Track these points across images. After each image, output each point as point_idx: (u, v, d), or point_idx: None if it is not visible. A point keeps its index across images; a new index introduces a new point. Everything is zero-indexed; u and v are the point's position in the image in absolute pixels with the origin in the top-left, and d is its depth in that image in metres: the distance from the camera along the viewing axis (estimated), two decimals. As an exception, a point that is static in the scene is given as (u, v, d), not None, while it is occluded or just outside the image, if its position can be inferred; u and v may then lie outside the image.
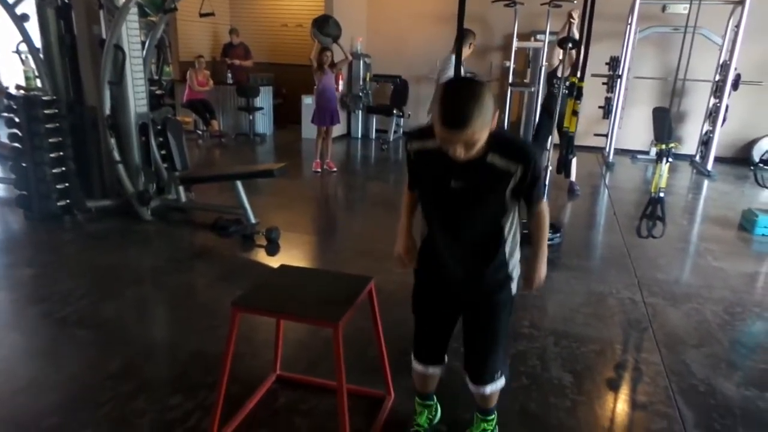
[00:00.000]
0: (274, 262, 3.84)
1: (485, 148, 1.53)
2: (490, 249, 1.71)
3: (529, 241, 1.81)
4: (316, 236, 4.67)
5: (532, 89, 8.43)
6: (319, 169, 6.53)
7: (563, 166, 4.44)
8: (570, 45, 4.51)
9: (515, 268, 1.78)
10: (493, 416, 1.99)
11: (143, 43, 4.62)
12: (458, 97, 1.42)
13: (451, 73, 4.26)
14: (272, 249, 4.06)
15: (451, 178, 1.60)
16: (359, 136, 9.17)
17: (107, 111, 4.35)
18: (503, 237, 1.70)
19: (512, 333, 2.83)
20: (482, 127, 1.44)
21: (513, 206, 1.68)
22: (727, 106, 7.12)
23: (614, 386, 2.48)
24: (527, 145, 1.65)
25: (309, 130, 8.25)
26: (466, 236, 1.70)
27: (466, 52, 4.22)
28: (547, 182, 4.42)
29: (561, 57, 5.26)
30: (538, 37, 8.33)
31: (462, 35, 3.62)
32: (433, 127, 1.48)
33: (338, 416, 1.77)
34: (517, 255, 1.78)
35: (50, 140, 4.26)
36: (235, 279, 3.52)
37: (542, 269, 1.80)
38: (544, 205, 1.75)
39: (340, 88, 6.57)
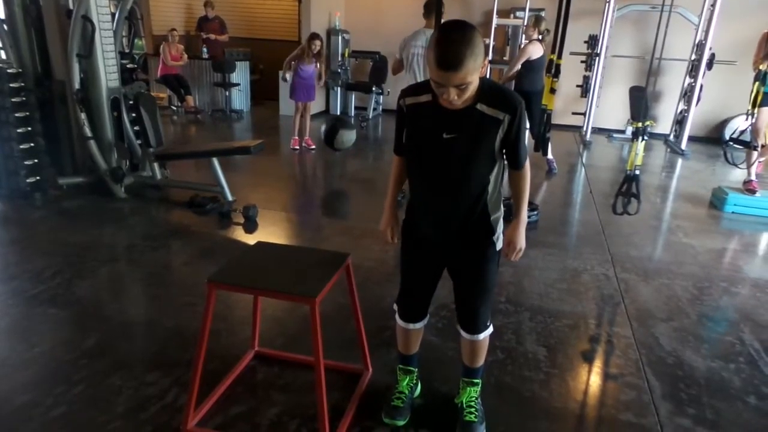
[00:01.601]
0: (252, 239, 3.82)
1: (475, 97, 1.61)
2: (476, 203, 1.76)
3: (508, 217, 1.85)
4: (294, 214, 4.64)
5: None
6: (297, 147, 6.48)
7: (540, 144, 4.47)
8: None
9: (498, 224, 1.84)
10: (479, 381, 2.04)
11: (113, 15, 4.47)
12: (452, 40, 1.49)
13: (419, 50, 4.19)
14: (250, 226, 4.03)
15: (443, 130, 1.66)
16: (338, 113, 9.08)
17: (77, 85, 4.22)
18: (488, 191, 1.75)
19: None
20: (474, 70, 1.50)
21: (500, 162, 1.75)
22: (701, 86, 7.22)
23: (586, 359, 2.54)
24: (513, 94, 1.69)
25: (286, 106, 8.14)
26: (455, 189, 1.74)
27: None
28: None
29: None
30: (518, 14, 8.30)
31: (440, 10, 3.58)
32: (429, 73, 1.56)
33: (316, 391, 1.79)
34: (500, 212, 1.84)
35: (17, 115, 4.12)
36: (212, 257, 3.49)
37: (522, 235, 1.86)
38: (527, 168, 1.80)
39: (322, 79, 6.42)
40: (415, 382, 2.15)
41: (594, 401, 2.27)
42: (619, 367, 2.48)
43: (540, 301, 3.04)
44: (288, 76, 6.31)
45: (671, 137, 7.96)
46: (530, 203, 4.42)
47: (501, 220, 1.85)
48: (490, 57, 8.51)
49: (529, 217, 4.25)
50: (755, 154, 4.95)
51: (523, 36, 6.67)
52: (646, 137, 3.61)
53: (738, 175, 5.49)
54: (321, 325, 1.76)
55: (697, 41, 7.31)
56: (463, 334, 1.95)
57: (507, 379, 2.32)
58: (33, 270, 3.12)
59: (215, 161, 4.21)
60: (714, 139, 8.08)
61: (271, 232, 4.05)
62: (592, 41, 7.43)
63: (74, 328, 2.58)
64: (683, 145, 7.40)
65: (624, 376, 2.40)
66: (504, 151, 1.72)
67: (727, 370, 2.47)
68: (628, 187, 3.62)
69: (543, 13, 8.10)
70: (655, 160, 6.98)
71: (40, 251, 3.41)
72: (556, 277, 3.35)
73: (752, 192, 4.89)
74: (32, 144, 4.25)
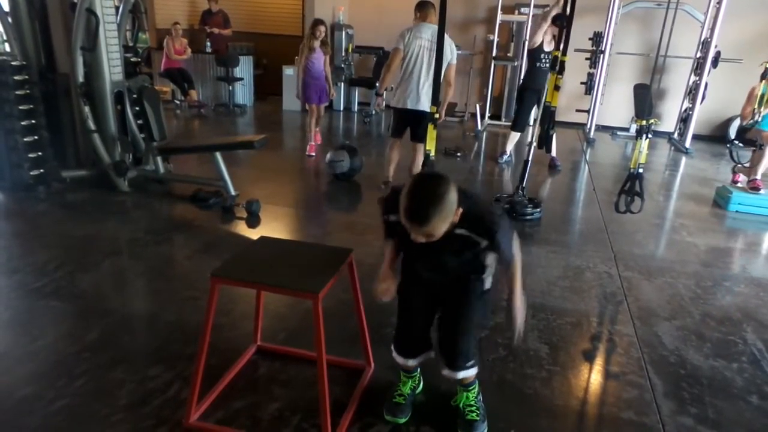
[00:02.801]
0: (255, 234, 3.82)
1: (453, 226, 1.63)
2: (466, 285, 1.88)
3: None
4: (297, 209, 4.64)
5: (516, 63, 8.40)
6: (314, 153, 6.05)
7: (545, 142, 4.46)
8: (564, 23, 4.45)
9: (489, 264, 1.90)
10: (474, 386, 2.03)
11: (117, 8, 4.46)
12: (422, 196, 1.55)
13: (425, 43, 4.15)
14: (252, 221, 4.03)
15: (428, 244, 1.66)
16: (341, 108, 9.07)
17: (80, 78, 4.22)
18: (480, 278, 1.89)
19: (491, 306, 2.87)
20: (441, 225, 1.56)
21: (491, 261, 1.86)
22: (706, 84, 7.19)
23: (589, 357, 2.54)
24: (494, 219, 1.74)
25: (290, 102, 8.14)
26: (447, 281, 1.87)
27: (432, 18, 4.15)
28: (530, 158, 4.45)
29: (555, 34, 5.23)
30: (523, 10, 8.26)
31: (444, 6, 3.55)
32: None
33: (318, 386, 1.79)
34: (491, 271, 1.91)
35: (21, 107, 4.13)
36: (214, 251, 3.49)
37: (522, 315, 1.87)
38: (517, 263, 1.83)
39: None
40: (417, 382, 2.15)
41: (596, 399, 2.26)
42: (621, 365, 2.47)
43: (542, 298, 3.03)
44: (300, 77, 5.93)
45: (675, 135, 7.93)
46: (533, 200, 4.43)
47: (493, 263, 1.89)
48: (493, 53, 8.48)
49: (531, 214, 4.29)
50: (760, 154, 4.93)
51: (527, 32, 6.63)
52: (650, 135, 3.60)
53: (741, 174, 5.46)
54: (323, 320, 1.76)
55: (702, 39, 7.28)
56: (444, 371, 1.94)
57: (509, 376, 2.32)
58: (36, 263, 3.13)
59: (218, 156, 4.21)
60: (718, 137, 8.05)
61: (274, 227, 4.05)
62: (597, 38, 7.40)
63: (77, 321, 2.58)
64: (687, 144, 7.38)
65: (626, 375, 2.39)
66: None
67: (730, 370, 2.47)
68: (631, 185, 3.61)
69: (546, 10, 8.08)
70: (659, 159, 6.96)
71: (43, 244, 3.42)
72: (559, 275, 3.34)
73: (756, 191, 4.87)
74: (36, 137, 4.25)
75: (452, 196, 1.56)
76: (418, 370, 2.13)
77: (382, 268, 1.93)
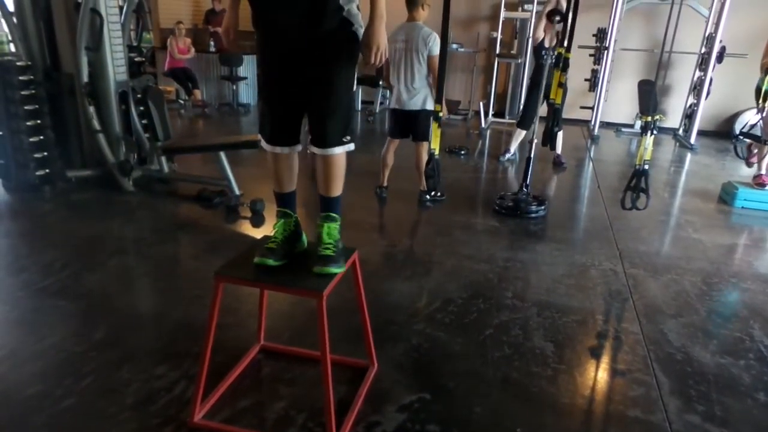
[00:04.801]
0: (259, 233, 3.82)
1: None
2: None
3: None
4: (301, 208, 4.62)
5: (519, 60, 8.38)
6: None
7: (549, 139, 4.44)
8: (558, 18, 4.45)
9: (356, 16, 1.76)
10: (337, 217, 1.99)
11: (121, 8, 4.47)
12: None
13: (400, 45, 4.15)
14: (257, 220, 4.04)
15: None
16: (345, 106, 9.06)
17: (85, 78, 4.23)
18: None
19: (495, 304, 2.87)
20: None
21: None
22: (711, 79, 7.15)
23: (594, 355, 2.53)
24: None
25: (294, 100, 8.12)
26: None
27: (423, 15, 4.13)
28: (532, 156, 4.44)
29: (546, 29, 5.22)
30: (526, 7, 8.23)
31: (448, 3, 3.54)
32: None
33: (322, 386, 1.79)
34: (354, 8, 1.74)
35: (26, 108, 4.14)
36: (219, 250, 3.50)
37: (380, 31, 1.75)
38: None
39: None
40: (293, 228, 2.01)
41: (602, 397, 2.26)
42: (627, 363, 2.46)
43: (547, 296, 3.03)
44: None
45: (680, 131, 7.90)
46: (537, 197, 4.41)
47: (358, 14, 1.77)
48: (497, 51, 8.45)
49: (536, 211, 4.28)
50: (766, 148, 4.89)
51: (530, 30, 6.61)
52: (655, 131, 3.58)
53: (748, 169, 5.43)
54: (327, 319, 1.76)
55: (707, 34, 7.24)
56: (314, 149, 1.83)
57: (514, 374, 2.31)
58: (42, 262, 3.14)
59: (222, 155, 4.22)
60: (724, 133, 8.01)
61: (278, 225, 4.05)
62: (601, 34, 7.36)
63: (83, 320, 2.59)
64: (692, 140, 7.34)
65: (632, 372, 2.38)
66: None
67: (737, 367, 2.45)
68: (636, 181, 3.60)
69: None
70: (664, 155, 6.92)
71: (49, 244, 3.43)
72: (564, 273, 3.33)
73: (762, 186, 4.84)
74: (41, 137, 4.27)
75: None
76: (294, 216, 2.05)
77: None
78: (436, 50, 4.04)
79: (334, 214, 1.96)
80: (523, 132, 5.94)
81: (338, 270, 1.85)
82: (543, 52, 5.28)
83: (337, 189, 1.93)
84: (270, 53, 1.82)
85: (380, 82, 8.49)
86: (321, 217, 1.97)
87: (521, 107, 5.98)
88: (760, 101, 4.92)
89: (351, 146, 1.87)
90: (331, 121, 1.79)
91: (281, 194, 2.05)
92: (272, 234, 1.99)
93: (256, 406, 2.05)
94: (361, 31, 1.77)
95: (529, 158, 4.41)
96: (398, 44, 4.14)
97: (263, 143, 1.93)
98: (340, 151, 1.85)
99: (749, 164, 5.23)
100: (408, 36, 4.07)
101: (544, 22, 5.18)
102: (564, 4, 4.68)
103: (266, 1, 1.73)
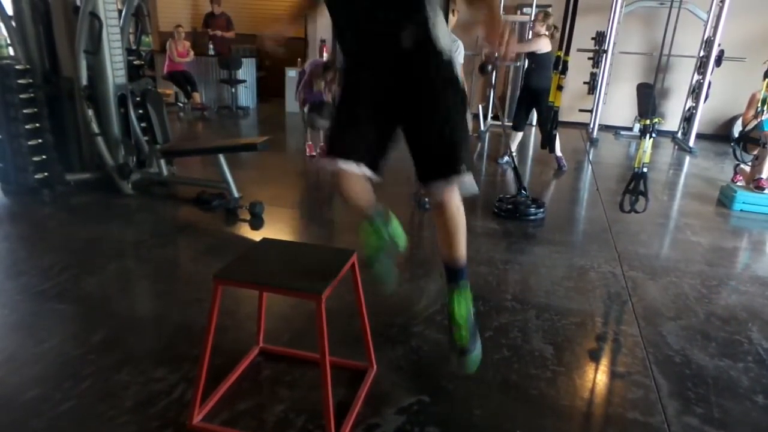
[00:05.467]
0: (258, 236, 3.82)
1: None
2: (415, 27, 1.53)
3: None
4: (300, 211, 4.65)
5: (518, 64, 8.39)
6: (314, 153, 6.06)
7: (548, 141, 4.45)
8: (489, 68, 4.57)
9: (446, 45, 1.60)
10: (465, 282, 1.76)
11: (120, 12, 4.48)
12: None
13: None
14: (256, 223, 4.04)
15: None
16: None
17: (84, 81, 4.24)
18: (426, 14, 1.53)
19: (494, 306, 2.87)
20: None
21: None
22: (710, 83, 7.17)
23: (593, 357, 2.53)
24: None
25: (293, 103, 8.13)
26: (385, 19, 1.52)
27: (452, 20, 4.15)
28: (515, 160, 4.45)
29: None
30: (525, 10, 8.25)
31: (447, 5, 3.56)
32: None
33: (322, 388, 1.79)
34: (444, 28, 1.59)
35: (25, 111, 4.14)
36: (218, 253, 3.50)
37: (497, 15, 1.54)
38: None
39: (324, 58, 6.31)
40: (385, 224, 1.81)
41: (601, 399, 2.26)
42: (626, 365, 2.46)
43: (546, 298, 3.03)
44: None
45: (679, 134, 7.91)
46: (536, 200, 4.42)
47: (458, 64, 1.67)
48: (497, 54, 8.47)
49: (535, 214, 4.28)
50: (766, 152, 4.91)
51: (530, 33, 6.65)
52: (653, 134, 3.59)
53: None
54: (326, 321, 1.76)
55: (705, 38, 7.26)
56: (431, 186, 1.57)
57: (513, 377, 2.31)
58: (41, 266, 3.14)
59: (222, 158, 4.22)
60: (722, 136, 8.02)
61: (278, 228, 4.06)
62: (600, 38, 7.39)
63: (82, 323, 2.59)
64: (691, 143, 7.35)
65: (631, 375, 2.38)
66: None
67: (736, 369, 2.46)
68: (635, 184, 3.60)
69: (550, 9, 8.07)
70: (662, 158, 6.94)
71: (47, 247, 3.43)
72: (563, 275, 3.34)
73: (761, 190, 4.85)
74: (40, 140, 4.27)
75: None
76: (381, 220, 1.80)
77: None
78: (460, 59, 4.06)
79: (462, 280, 1.70)
80: (519, 134, 5.95)
81: (478, 353, 1.70)
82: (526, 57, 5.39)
83: (461, 252, 1.66)
84: (358, 95, 1.64)
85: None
86: (449, 286, 1.74)
87: (515, 110, 6.02)
88: (759, 105, 4.96)
89: (470, 177, 1.58)
90: (450, 149, 1.59)
91: (366, 213, 1.81)
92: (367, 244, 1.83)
93: (256, 409, 2.05)
94: (458, 70, 1.64)
95: (514, 166, 4.42)
96: None
97: (331, 162, 1.64)
98: (458, 186, 1.60)
99: (733, 181, 5.27)
100: None
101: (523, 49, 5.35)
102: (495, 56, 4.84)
103: (363, 54, 1.60)
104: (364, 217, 1.81)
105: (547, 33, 5.21)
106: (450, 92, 1.58)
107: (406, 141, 1.64)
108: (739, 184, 5.14)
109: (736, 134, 6.65)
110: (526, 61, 6.66)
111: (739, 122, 7.61)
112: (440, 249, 1.73)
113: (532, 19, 5.50)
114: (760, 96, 5.11)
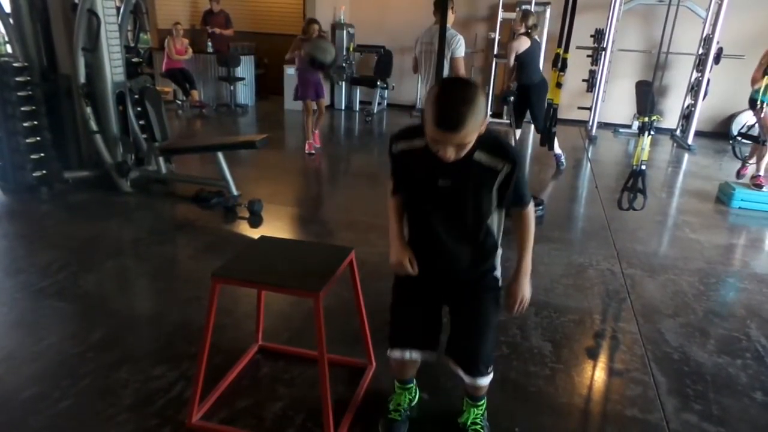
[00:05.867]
0: (257, 233, 3.82)
1: (472, 147, 1.54)
2: (475, 245, 1.73)
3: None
4: (299, 208, 4.64)
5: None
6: (313, 151, 6.07)
7: (546, 139, 4.45)
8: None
9: (497, 261, 1.83)
10: (483, 401, 1.96)
11: (118, 9, 4.47)
12: (453, 99, 1.44)
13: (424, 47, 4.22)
14: (255, 221, 4.03)
15: (438, 176, 1.61)
16: (343, 107, 9.07)
17: (82, 79, 4.23)
18: (490, 234, 1.73)
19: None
20: (474, 130, 1.46)
21: (498, 208, 1.70)
22: (708, 80, 7.16)
23: (592, 355, 2.54)
24: (512, 145, 1.68)
25: (291, 101, 8.13)
26: (453, 235, 1.70)
27: (450, 18, 4.15)
28: (528, 156, 4.45)
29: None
30: (524, 7, 8.24)
31: (445, 6, 3.55)
32: (424, 126, 1.50)
33: (320, 385, 1.79)
34: (500, 251, 1.83)
35: (23, 109, 4.13)
36: (217, 251, 3.50)
37: (526, 286, 1.77)
38: (531, 210, 1.75)
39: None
40: (413, 394, 2.07)
41: (599, 397, 2.26)
42: (625, 362, 2.47)
43: (545, 296, 3.03)
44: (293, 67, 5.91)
45: (678, 132, 7.91)
46: (535, 198, 4.42)
47: (499, 258, 1.84)
48: (495, 51, 8.46)
49: (534, 211, 4.27)
50: (765, 149, 4.91)
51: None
52: (652, 132, 3.59)
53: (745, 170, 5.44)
54: (325, 319, 1.76)
55: (704, 35, 7.25)
56: (464, 377, 1.81)
57: (512, 374, 2.32)
58: (39, 264, 3.14)
59: (220, 155, 4.21)
60: (721, 134, 8.02)
61: (276, 226, 4.05)
62: (599, 35, 7.38)
63: (81, 321, 2.59)
64: (690, 140, 7.35)
65: (630, 372, 2.39)
66: (503, 195, 1.65)
67: (734, 366, 2.46)
68: (634, 182, 3.60)
69: (548, 8, 8.07)
70: (661, 155, 6.94)
71: (46, 245, 3.43)
72: (562, 273, 3.34)
73: (759, 187, 4.85)
74: (38, 138, 4.26)
75: (482, 99, 1.47)
76: (414, 381, 2.05)
77: (393, 240, 1.79)
78: (459, 52, 4.08)
79: (481, 402, 1.95)
80: (518, 131, 5.95)
81: None
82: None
83: (485, 390, 1.92)
84: (413, 285, 1.82)
85: (377, 83, 8.50)
86: (468, 402, 1.96)
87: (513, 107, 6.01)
88: (759, 102, 4.94)
89: (491, 375, 1.85)
90: (482, 348, 1.78)
91: (404, 380, 2.02)
92: (393, 400, 2.01)
93: (255, 407, 2.05)
94: (499, 273, 1.84)
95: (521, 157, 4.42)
96: (425, 46, 4.23)
97: (395, 353, 1.86)
98: (487, 383, 1.85)
99: (739, 176, 5.24)
100: (434, 38, 4.09)
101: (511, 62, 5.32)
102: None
103: (421, 258, 1.77)
104: (401, 381, 2.02)
105: (526, 32, 5.23)
106: (491, 298, 1.80)
107: (450, 318, 1.86)
108: (741, 181, 5.09)
109: (735, 132, 6.65)
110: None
111: (738, 119, 7.62)
112: (467, 389, 1.94)
113: (513, 19, 5.50)
114: None
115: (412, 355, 1.84)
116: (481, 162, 1.58)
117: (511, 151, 1.61)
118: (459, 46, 4.09)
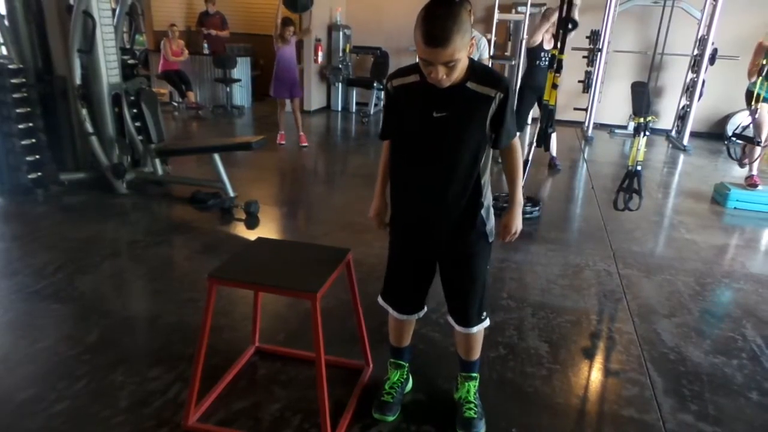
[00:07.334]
0: (254, 235, 3.80)
1: (464, 76, 1.61)
2: (467, 187, 1.73)
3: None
4: (295, 209, 4.64)
5: (513, 62, 8.40)
6: (284, 142, 6.44)
7: (543, 140, 4.45)
8: (570, 26, 4.42)
9: (489, 215, 1.84)
10: (476, 375, 2.03)
11: (114, 10, 4.46)
12: (438, 17, 1.48)
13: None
14: (251, 222, 4.03)
15: (433, 108, 1.64)
16: (339, 109, 9.07)
17: (78, 81, 4.22)
18: (479, 174, 1.74)
19: (490, 305, 2.87)
20: (462, 46, 1.50)
21: (489, 147, 1.73)
22: (703, 81, 7.19)
23: (589, 355, 2.54)
24: (502, 74, 1.73)
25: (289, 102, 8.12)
26: (445, 171, 1.71)
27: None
28: (530, 158, 4.46)
29: (554, 33, 5.23)
30: (520, 9, 8.26)
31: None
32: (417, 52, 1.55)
33: (317, 387, 1.79)
34: (490, 201, 1.84)
35: (18, 111, 4.12)
36: (214, 252, 3.49)
37: (519, 217, 1.85)
38: (517, 144, 1.80)
39: (318, 58, 6.35)
40: (406, 377, 2.13)
41: (596, 397, 2.27)
42: (621, 362, 2.47)
43: (542, 296, 3.03)
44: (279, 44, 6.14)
45: (673, 133, 7.94)
46: (531, 199, 4.43)
47: (492, 211, 1.84)
48: (491, 53, 8.48)
49: (530, 213, 4.29)
50: (758, 149, 4.93)
51: (524, 31, 6.64)
52: (647, 133, 3.60)
53: (740, 170, 5.47)
54: (322, 320, 1.76)
55: (699, 36, 7.29)
56: (456, 327, 1.93)
57: (509, 374, 2.32)
58: (35, 265, 3.12)
59: (217, 157, 4.21)
60: (716, 134, 8.06)
61: (273, 227, 4.05)
62: (594, 36, 7.40)
63: (77, 323, 2.58)
64: (685, 141, 7.38)
65: (626, 372, 2.39)
66: (493, 131, 1.69)
67: (730, 366, 2.47)
68: (629, 182, 3.61)
69: (545, 8, 8.07)
70: (657, 156, 6.96)
71: (42, 247, 3.41)
72: (558, 273, 3.35)
73: (754, 187, 4.87)
74: (34, 140, 4.24)
75: (467, 16, 1.52)
76: (407, 365, 2.12)
77: (375, 195, 1.93)
78: (485, 54, 4.07)
79: (474, 374, 2.04)
80: (517, 133, 5.96)
81: (483, 431, 1.95)
82: (542, 54, 5.32)
83: (477, 354, 2.01)
84: (404, 249, 1.91)
85: (374, 84, 8.50)
86: (462, 376, 2.05)
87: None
88: (752, 103, 4.96)
89: (487, 322, 1.95)
90: (472, 304, 1.88)
91: (399, 348, 2.10)
92: (387, 383, 2.08)
93: (252, 408, 2.04)
94: (491, 233, 1.86)
95: (525, 161, 4.43)
96: None
97: (390, 310, 2.00)
98: (479, 329, 1.93)
99: (742, 165, 5.26)
100: None
101: (546, 25, 5.19)
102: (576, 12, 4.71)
103: (410, 207, 1.83)
104: (395, 352, 2.10)
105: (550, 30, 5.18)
106: (481, 247, 1.84)
107: (440, 276, 1.92)
108: (746, 162, 5.05)
109: (730, 132, 6.67)
110: (522, 59, 6.68)
111: (733, 119, 7.65)
112: (457, 348, 2.04)
113: (542, 15, 5.40)
114: (767, 44, 4.94)
115: (398, 315, 1.99)
116: (474, 90, 1.62)
117: (503, 80, 1.66)
118: (483, 49, 4.09)
